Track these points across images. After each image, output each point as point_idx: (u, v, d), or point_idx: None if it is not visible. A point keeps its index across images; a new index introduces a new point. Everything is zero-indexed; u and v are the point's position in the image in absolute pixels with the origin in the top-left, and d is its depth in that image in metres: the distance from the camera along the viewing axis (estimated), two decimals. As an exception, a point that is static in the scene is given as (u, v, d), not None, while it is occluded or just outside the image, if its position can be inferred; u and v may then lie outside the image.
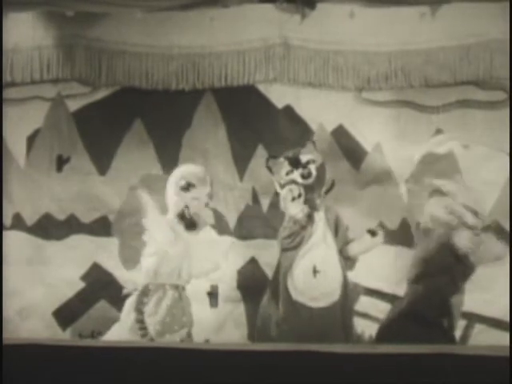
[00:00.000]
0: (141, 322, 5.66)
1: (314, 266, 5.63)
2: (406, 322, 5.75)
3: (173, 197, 5.79)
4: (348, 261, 5.77)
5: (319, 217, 5.72)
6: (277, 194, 5.86)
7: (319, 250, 5.68)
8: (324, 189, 5.80)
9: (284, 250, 5.73)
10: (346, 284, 5.68)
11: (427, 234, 6.00)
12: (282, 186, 5.73)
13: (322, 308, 5.61)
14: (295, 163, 5.72)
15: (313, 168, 5.73)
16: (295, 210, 5.66)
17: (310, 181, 5.72)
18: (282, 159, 5.79)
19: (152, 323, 5.66)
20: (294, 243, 5.68)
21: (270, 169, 5.84)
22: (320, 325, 5.55)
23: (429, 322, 5.75)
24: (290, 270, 5.67)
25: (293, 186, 5.68)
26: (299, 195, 5.67)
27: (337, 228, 5.79)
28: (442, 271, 5.84)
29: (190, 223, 5.77)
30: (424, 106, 6.24)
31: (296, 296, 5.64)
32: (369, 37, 6.10)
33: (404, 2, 6.02)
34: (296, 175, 5.70)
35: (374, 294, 6.05)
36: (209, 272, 5.88)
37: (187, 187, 5.77)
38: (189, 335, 5.75)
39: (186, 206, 5.76)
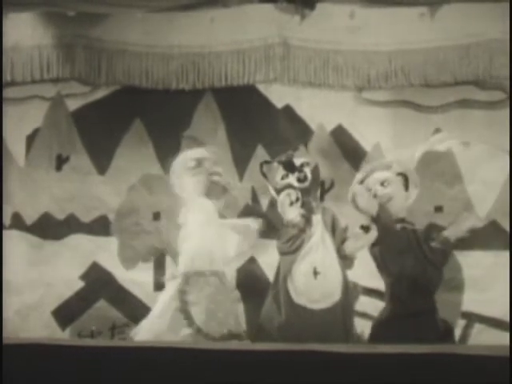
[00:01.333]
0: (185, 312, 5.58)
1: (314, 268, 5.60)
2: (396, 320, 5.69)
3: (189, 182, 5.75)
4: (346, 260, 5.76)
5: (317, 219, 5.69)
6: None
7: (318, 251, 5.65)
8: (320, 190, 5.79)
9: (283, 253, 5.71)
10: (346, 284, 5.66)
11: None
12: (278, 191, 5.70)
13: (323, 309, 5.58)
14: (290, 167, 5.69)
15: (308, 171, 5.71)
16: (293, 214, 5.65)
17: (306, 184, 5.69)
18: (275, 164, 5.77)
19: (196, 312, 5.58)
20: (293, 247, 5.66)
21: (264, 174, 5.82)
22: (321, 326, 5.52)
23: (416, 318, 5.67)
24: (290, 274, 5.64)
25: (290, 191, 5.66)
26: (297, 199, 5.66)
27: (334, 229, 5.78)
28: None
29: (222, 189, 5.79)
30: (423, 106, 6.25)
31: (297, 299, 5.61)
32: (368, 37, 6.10)
33: (403, 2, 6.02)
34: (292, 179, 5.67)
35: (372, 294, 6.05)
36: (240, 258, 5.88)
37: (199, 163, 5.77)
38: (237, 326, 5.67)
39: (211, 174, 5.76)
